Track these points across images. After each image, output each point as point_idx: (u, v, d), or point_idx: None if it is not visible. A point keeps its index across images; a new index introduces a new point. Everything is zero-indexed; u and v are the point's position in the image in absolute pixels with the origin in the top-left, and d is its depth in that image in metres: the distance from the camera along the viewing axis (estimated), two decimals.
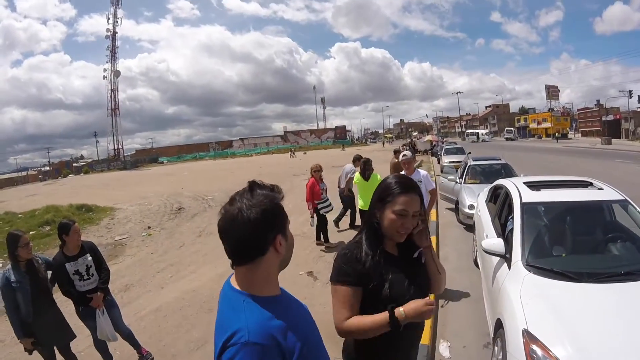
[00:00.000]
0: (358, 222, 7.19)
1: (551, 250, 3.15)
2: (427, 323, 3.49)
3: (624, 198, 3.39)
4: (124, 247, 8.79)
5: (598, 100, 64.96)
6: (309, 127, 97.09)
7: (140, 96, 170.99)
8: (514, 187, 3.77)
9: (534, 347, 2.10)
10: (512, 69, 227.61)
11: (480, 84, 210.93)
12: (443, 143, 31.51)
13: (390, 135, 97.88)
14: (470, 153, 14.17)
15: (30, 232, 9.91)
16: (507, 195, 3.88)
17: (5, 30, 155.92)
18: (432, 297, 3.63)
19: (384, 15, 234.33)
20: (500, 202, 4.23)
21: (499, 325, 2.61)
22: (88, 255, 3.32)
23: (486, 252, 3.23)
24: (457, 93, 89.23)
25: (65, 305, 3.47)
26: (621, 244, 3.16)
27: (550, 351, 2.04)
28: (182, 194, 16.55)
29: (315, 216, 6.69)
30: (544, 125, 66.09)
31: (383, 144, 66.69)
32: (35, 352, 3.19)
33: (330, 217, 7.12)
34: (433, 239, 6.16)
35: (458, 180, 8.51)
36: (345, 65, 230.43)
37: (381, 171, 6.68)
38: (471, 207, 6.75)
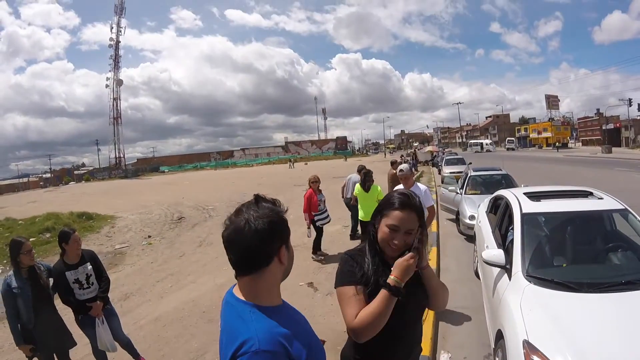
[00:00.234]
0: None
1: (552, 261, 3.15)
2: (428, 335, 3.48)
3: (624, 207, 3.40)
4: (124, 255, 8.76)
5: (598, 109, 65.41)
6: (310, 138, 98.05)
7: (142, 105, 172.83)
8: (514, 198, 3.77)
9: (535, 357, 2.09)
10: (512, 79, 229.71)
11: (480, 94, 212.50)
12: (444, 153, 31.58)
13: (392, 145, 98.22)
14: (471, 164, 14.21)
15: (31, 239, 9.80)
16: (508, 206, 3.89)
17: (10, 37, 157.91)
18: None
19: (385, 26, 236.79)
20: (500, 213, 4.24)
21: (499, 336, 2.60)
22: (88, 264, 3.33)
23: (487, 263, 3.22)
24: (457, 104, 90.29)
25: (65, 313, 3.46)
26: (622, 254, 3.16)
27: None
28: (182, 204, 16.54)
29: (312, 227, 6.67)
30: (545, 134, 66.28)
31: (385, 154, 66.84)
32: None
33: (327, 229, 7.12)
34: (434, 249, 6.14)
35: (459, 191, 8.52)
36: (346, 76, 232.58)
37: (382, 182, 6.71)
38: (472, 217, 6.75)
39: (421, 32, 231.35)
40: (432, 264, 5.25)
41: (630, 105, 50.38)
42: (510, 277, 2.91)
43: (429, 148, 44.56)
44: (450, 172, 15.46)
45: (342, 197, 8.36)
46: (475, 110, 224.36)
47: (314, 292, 5.17)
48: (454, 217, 8.33)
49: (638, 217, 3.30)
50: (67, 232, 3.26)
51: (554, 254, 3.21)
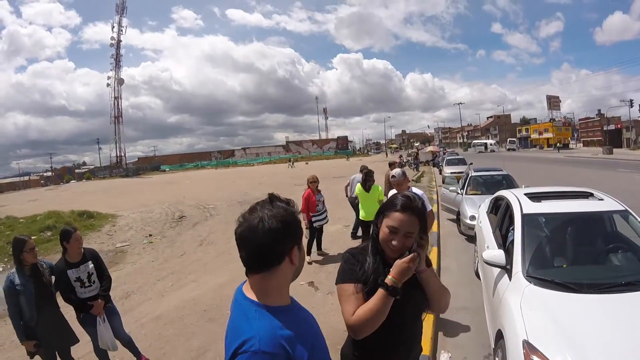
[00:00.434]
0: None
1: (552, 262, 3.16)
2: (428, 335, 3.49)
3: (624, 208, 3.41)
4: (125, 254, 8.78)
5: (599, 110, 65.53)
6: (311, 137, 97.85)
7: (143, 104, 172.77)
8: (515, 198, 3.78)
9: (535, 358, 2.10)
10: (513, 79, 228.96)
11: (481, 94, 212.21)
12: (445, 153, 31.58)
13: (394, 145, 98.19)
14: (472, 164, 14.22)
15: (32, 237, 9.90)
16: (508, 207, 3.90)
17: (11, 35, 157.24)
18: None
19: (386, 27, 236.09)
20: (501, 213, 4.24)
21: (499, 336, 2.61)
22: (90, 262, 3.34)
23: (487, 263, 3.23)
24: (458, 104, 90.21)
25: (66, 312, 3.47)
26: (622, 254, 3.16)
27: None
28: (183, 203, 16.57)
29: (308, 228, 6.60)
30: (546, 135, 66.28)
31: (386, 154, 66.81)
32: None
33: (327, 229, 7.12)
34: (434, 250, 6.15)
35: (459, 191, 8.53)
36: (347, 76, 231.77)
37: (382, 182, 6.70)
38: (472, 218, 6.76)
39: (422, 32, 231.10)
40: (433, 264, 5.24)
41: (632, 106, 50.26)
42: (510, 277, 2.92)
43: (430, 148, 44.63)
44: (451, 173, 15.48)
45: (347, 196, 8.39)
46: (477, 110, 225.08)
47: (314, 292, 5.18)
48: (455, 217, 8.34)
49: (638, 218, 3.31)
50: (69, 231, 3.28)
51: (554, 255, 3.22)
